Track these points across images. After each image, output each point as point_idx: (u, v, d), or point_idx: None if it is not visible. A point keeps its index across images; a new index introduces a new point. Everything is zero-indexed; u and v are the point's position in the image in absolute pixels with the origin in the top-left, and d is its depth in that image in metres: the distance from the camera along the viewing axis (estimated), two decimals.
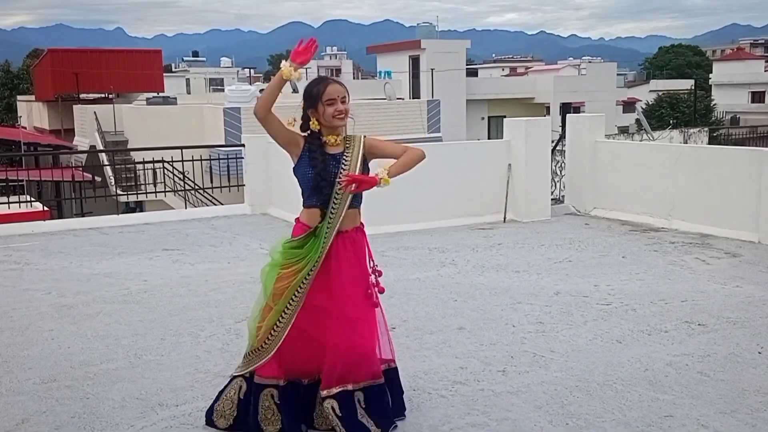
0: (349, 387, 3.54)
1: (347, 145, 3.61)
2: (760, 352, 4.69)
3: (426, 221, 8.97)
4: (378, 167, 3.57)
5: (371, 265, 3.69)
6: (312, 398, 3.66)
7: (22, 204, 13.28)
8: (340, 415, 3.51)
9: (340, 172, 3.53)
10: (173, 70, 69.47)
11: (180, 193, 14.38)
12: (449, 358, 4.69)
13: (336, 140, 3.59)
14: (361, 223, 3.71)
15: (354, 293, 3.59)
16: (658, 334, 5.07)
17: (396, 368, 3.84)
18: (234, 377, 3.70)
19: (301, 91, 3.72)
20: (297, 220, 3.66)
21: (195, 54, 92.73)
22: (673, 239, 8.16)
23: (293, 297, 3.52)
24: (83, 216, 12.15)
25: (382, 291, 3.68)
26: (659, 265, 7.04)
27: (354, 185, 3.46)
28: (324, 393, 3.55)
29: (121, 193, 19.34)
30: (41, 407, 4.05)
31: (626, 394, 4.08)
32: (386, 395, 3.68)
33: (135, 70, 34.25)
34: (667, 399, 4.01)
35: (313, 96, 3.54)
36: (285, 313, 3.53)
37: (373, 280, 3.67)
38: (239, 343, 4.92)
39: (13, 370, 4.62)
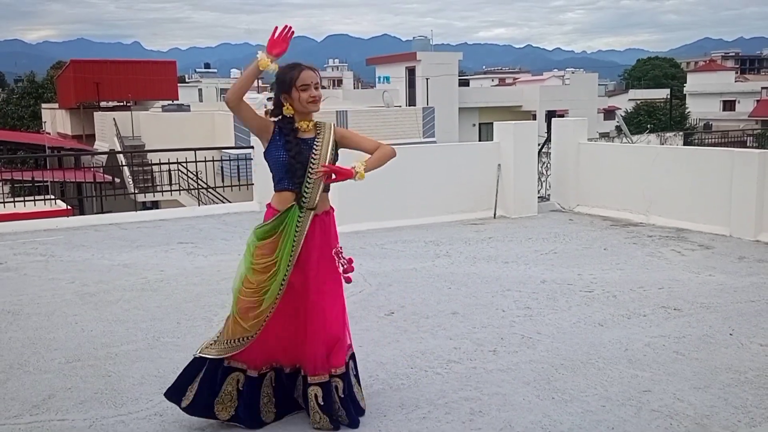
0: (328, 375, 3.37)
1: (318, 131, 3.43)
2: (731, 334, 4.70)
3: (422, 217, 8.96)
4: (353, 160, 3.39)
5: (337, 247, 3.47)
6: (292, 385, 3.50)
7: (46, 202, 13.25)
8: (322, 404, 3.36)
9: (312, 156, 3.35)
10: (186, 80, 69.36)
11: (193, 192, 14.37)
12: (444, 339, 4.70)
13: (308, 125, 3.41)
14: (331, 207, 3.52)
15: (324, 278, 3.40)
16: (637, 317, 5.08)
17: (354, 354, 3.60)
18: (229, 369, 3.42)
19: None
20: (268, 205, 3.44)
21: (207, 66, 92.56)
22: (651, 233, 8.18)
23: (282, 283, 3.32)
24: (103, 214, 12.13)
25: (349, 271, 3.44)
26: (638, 256, 7.06)
27: (332, 175, 3.29)
28: (311, 380, 3.38)
29: (139, 192, 19.30)
30: (66, 384, 4.06)
31: (607, 371, 4.09)
32: (353, 386, 3.51)
33: (151, 79, 34.24)
34: (645, 376, 4.03)
35: (287, 82, 3.34)
36: (276, 299, 3.34)
37: (341, 261, 3.44)
38: None
39: (40, 351, 4.63)
